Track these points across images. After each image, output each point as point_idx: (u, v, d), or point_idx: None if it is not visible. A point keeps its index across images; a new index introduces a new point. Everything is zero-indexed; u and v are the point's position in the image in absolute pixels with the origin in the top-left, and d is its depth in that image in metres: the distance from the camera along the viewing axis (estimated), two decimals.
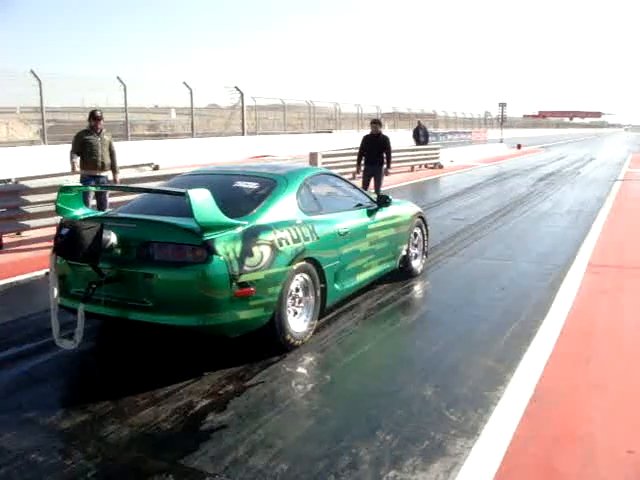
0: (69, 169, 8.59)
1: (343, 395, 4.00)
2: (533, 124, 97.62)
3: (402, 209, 6.70)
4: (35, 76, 18.74)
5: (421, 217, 7.05)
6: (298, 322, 4.75)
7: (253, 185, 5.14)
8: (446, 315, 5.65)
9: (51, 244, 4.62)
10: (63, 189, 4.83)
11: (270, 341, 4.57)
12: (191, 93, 24.56)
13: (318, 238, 4.95)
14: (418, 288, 6.53)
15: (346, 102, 40.75)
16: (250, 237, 4.36)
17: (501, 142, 37.20)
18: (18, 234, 8.98)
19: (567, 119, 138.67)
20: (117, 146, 9.07)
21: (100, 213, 5.60)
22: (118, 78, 21.55)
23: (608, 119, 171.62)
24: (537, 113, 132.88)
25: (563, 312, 5.55)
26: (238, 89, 27.93)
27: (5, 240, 8.58)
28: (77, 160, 8.32)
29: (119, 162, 8.94)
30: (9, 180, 9.68)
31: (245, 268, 4.21)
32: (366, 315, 5.52)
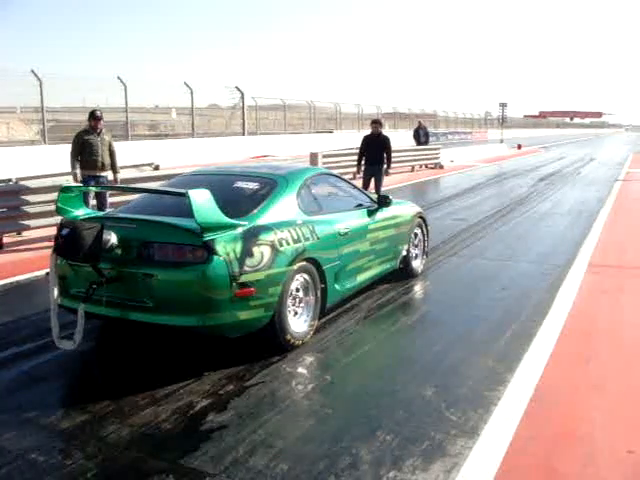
0: (69, 170, 8.57)
1: (343, 395, 4.00)
2: (533, 124, 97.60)
3: (402, 209, 6.70)
4: (35, 76, 18.75)
5: (421, 217, 7.05)
6: (298, 322, 4.75)
7: (253, 185, 5.14)
8: (446, 315, 5.65)
9: (51, 244, 4.63)
10: (63, 189, 4.83)
11: (270, 341, 4.57)
12: (191, 93, 24.58)
13: (318, 238, 4.95)
14: (418, 288, 6.53)
15: (346, 102, 40.79)
16: (250, 237, 4.36)
17: (501, 142, 37.20)
18: (18, 234, 8.98)
19: (567, 119, 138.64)
20: (117, 146, 9.07)
21: (100, 213, 5.60)
22: (118, 78, 21.56)
23: (609, 119, 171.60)
24: (537, 113, 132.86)
25: (563, 312, 5.55)
26: (238, 89, 27.95)
27: (5, 240, 8.58)
28: (78, 172, 8.32)
29: (119, 162, 8.94)
30: (9, 180, 9.68)
31: (245, 268, 4.21)
32: (366, 315, 5.52)
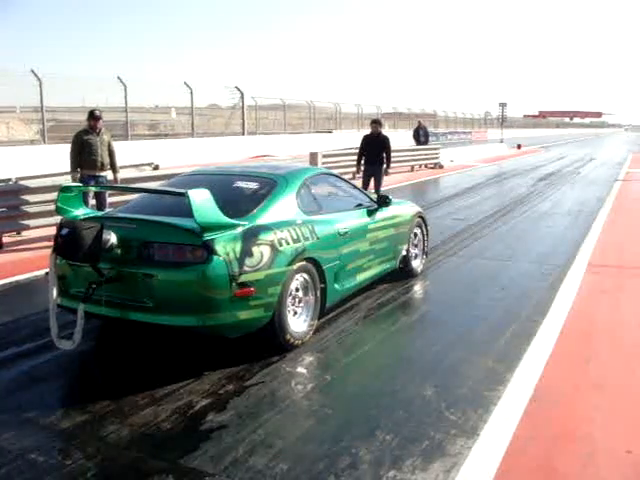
0: (69, 169, 8.57)
1: (343, 395, 4.01)
2: (533, 124, 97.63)
3: (402, 209, 6.70)
4: (35, 76, 18.74)
5: (421, 217, 7.05)
6: (298, 322, 4.75)
7: (253, 185, 5.14)
8: (446, 315, 5.65)
9: (51, 244, 4.63)
10: (63, 189, 4.83)
11: (270, 341, 4.57)
12: (191, 93, 24.57)
13: (318, 238, 4.95)
14: (418, 288, 6.53)
15: (346, 102, 40.79)
16: (250, 237, 4.36)
17: (501, 142, 37.20)
18: (18, 234, 8.99)
19: (567, 119, 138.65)
20: (117, 146, 9.07)
21: (100, 213, 5.60)
22: (118, 78, 21.55)
23: (608, 119, 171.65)
24: (537, 113, 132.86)
25: (563, 312, 5.55)
26: (238, 89, 27.94)
27: (5, 240, 8.58)
28: (77, 176, 8.32)
29: (119, 162, 8.93)
30: (9, 180, 9.68)
31: (245, 268, 4.21)
32: (366, 315, 5.53)
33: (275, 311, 4.43)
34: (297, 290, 4.75)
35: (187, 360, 4.51)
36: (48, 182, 8.93)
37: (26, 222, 8.65)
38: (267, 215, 4.71)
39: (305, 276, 4.79)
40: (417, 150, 22.43)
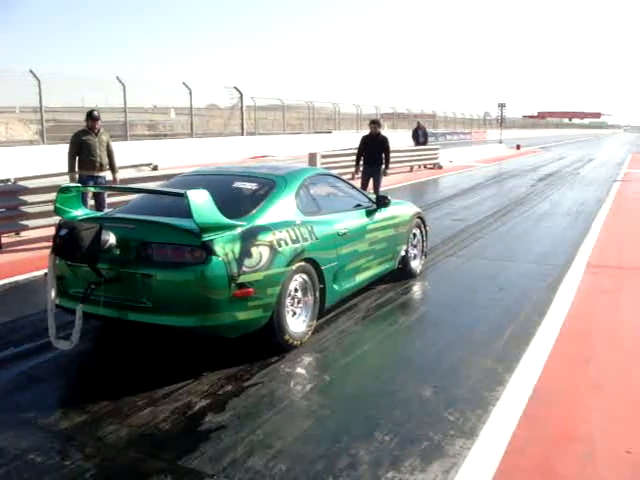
0: (67, 170, 8.57)
1: (342, 395, 4.00)
2: (532, 125, 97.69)
3: (401, 209, 6.70)
4: (34, 76, 18.73)
5: (420, 217, 7.04)
6: (297, 322, 4.75)
7: (252, 186, 5.14)
8: (445, 315, 5.65)
9: (50, 244, 4.62)
10: (62, 190, 4.83)
11: (269, 341, 4.57)
12: (190, 93, 24.57)
13: (317, 239, 4.95)
14: (417, 288, 6.52)
15: (345, 102, 40.80)
16: (249, 238, 4.36)
17: (500, 142, 37.21)
18: (17, 234, 8.98)
19: (566, 120, 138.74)
20: (116, 146, 9.06)
21: (99, 214, 5.60)
22: (117, 78, 21.55)
23: (607, 120, 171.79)
24: (536, 114, 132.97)
25: (562, 312, 5.55)
26: (237, 89, 27.94)
27: (4, 240, 8.57)
28: (76, 176, 8.31)
29: (118, 162, 8.92)
30: (8, 180, 9.68)
31: (244, 269, 4.21)
32: (365, 315, 5.52)
33: (274, 312, 4.42)
34: (296, 291, 4.75)
35: (186, 360, 4.50)
36: (47, 182, 8.93)
37: (25, 222, 8.64)
38: (266, 216, 4.70)
39: (304, 277, 4.79)
40: (416, 150, 22.42)
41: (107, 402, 3.81)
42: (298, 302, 4.79)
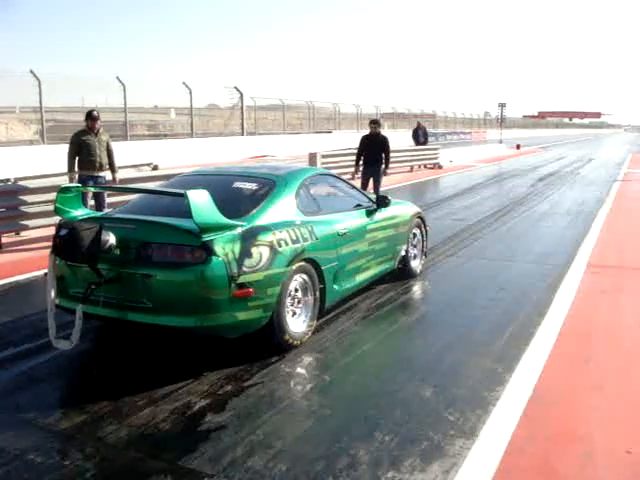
0: (67, 170, 8.57)
1: (342, 395, 4.00)
2: (532, 124, 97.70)
3: (401, 209, 6.70)
4: (34, 76, 18.73)
5: (420, 217, 7.04)
6: (297, 322, 4.75)
7: (252, 186, 5.14)
8: (445, 315, 5.65)
9: (50, 244, 4.62)
10: (62, 190, 4.83)
11: (269, 341, 4.57)
12: (190, 93, 24.58)
13: (317, 239, 4.95)
14: (417, 288, 6.52)
15: (345, 102, 40.82)
16: (249, 238, 4.36)
17: (500, 142, 37.21)
18: (17, 234, 8.98)
19: (566, 119, 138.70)
20: (116, 146, 9.06)
21: (99, 214, 5.60)
22: (117, 78, 21.56)
23: (607, 119, 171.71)
24: (536, 113, 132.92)
25: (562, 312, 5.55)
26: (237, 89, 27.95)
27: (4, 240, 8.58)
28: (75, 176, 8.30)
29: (118, 162, 8.93)
30: (8, 180, 9.67)
31: (244, 269, 4.21)
32: (365, 315, 5.52)
33: (274, 312, 4.42)
34: (296, 291, 4.75)
35: (186, 360, 4.50)
36: (47, 182, 8.94)
37: (25, 222, 8.65)
38: (266, 216, 4.70)
39: (304, 277, 4.79)
40: (416, 150, 22.43)
41: (107, 402, 3.81)
42: (298, 302, 4.79)
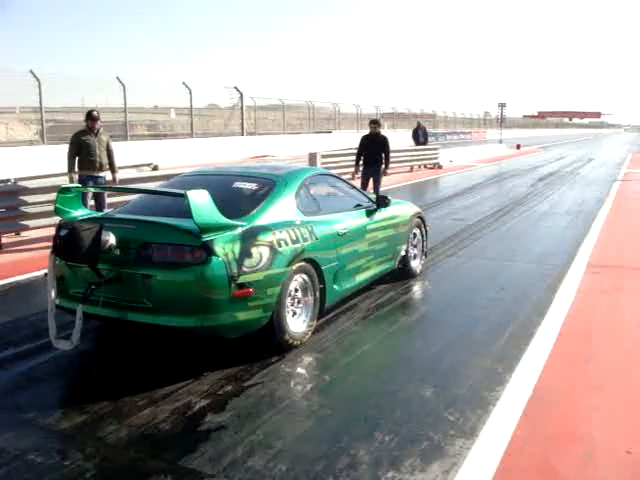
0: (67, 171, 8.57)
1: (342, 395, 4.00)
2: (532, 124, 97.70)
3: (401, 209, 6.70)
4: (34, 76, 18.73)
5: (420, 217, 7.05)
6: (297, 322, 4.75)
7: (252, 186, 5.14)
8: (445, 315, 5.65)
9: (50, 244, 4.62)
10: (62, 190, 4.83)
11: (269, 341, 4.57)
12: (190, 93, 24.58)
13: (317, 239, 4.95)
14: (417, 288, 6.52)
15: (345, 102, 40.83)
16: (249, 238, 4.36)
17: (500, 142, 37.22)
18: (17, 234, 8.99)
19: (566, 119, 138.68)
20: (116, 146, 9.06)
21: (99, 214, 5.59)
22: (117, 78, 21.56)
23: (608, 119, 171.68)
24: (536, 113, 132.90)
25: (562, 312, 5.55)
26: (237, 89, 27.95)
27: (4, 240, 8.58)
28: (75, 176, 8.30)
29: (118, 162, 8.93)
30: (8, 180, 9.68)
31: (244, 269, 4.21)
32: (365, 315, 5.52)
33: (274, 312, 4.42)
34: (296, 291, 4.75)
35: (186, 361, 4.50)
36: (47, 183, 8.94)
37: (25, 223, 8.65)
38: (266, 216, 4.70)
39: (304, 277, 4.79)
40: (416, 150, 22.43)
41: (107, 402, 3.81)
42: (298, 302, 4.79)
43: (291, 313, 4.69)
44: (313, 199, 5.43)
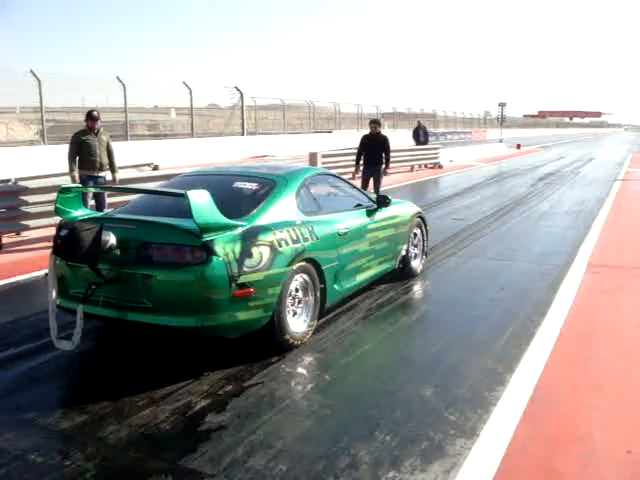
0: (67, 170, 8.57)
1: (342, 395, 4.00)
2: (533, 124, 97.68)
3: (401, 209, 6.70)
4: (35, 76, 18.74)
5: (421, 217, 7.04)
6: (297, 322, 4.75)
7: (252, 186, 5.14)
8: (446, 315, 5.65)
9: (51, 244, 4.62)
10: (62, 190, 4.83)
11: (269, 341, 4.57)
12: (191, 93, 24.58)
13: (317, 238, 4.95)
14: (418, 288, 6.52)
15: (346, 102, 40.81)
16: (249, 238, 4.36)
17: (501, 142, 37.20)
18: (18, 234, 8.98)
19: (567, 119, 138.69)
20: (117, 146, 9.06)
21: (99, 214, 5.59)
22: (117, 78, 21.56)
23: (608, 119, 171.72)
24: (537, 113, 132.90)
25: (563, 312, 5.55)
26: (238, 89, 27.96)
27: (5, 240, 8.58)
28: (76, 174, 8.30)
29: (119, 162, 8.93)
30: (8, 180, 9.67)
31: (244, 269, 4.21)
32: (366, 315, 5.52)
33: (274, 312, 4.42)
34: (296, 290, 4.75)
35: (186, 361, 4.50)
36: (47, 183, 8.93)
37: (26, 222, 8.65)
38: (266, 216, 4.70)
39: (304, 276, 4.79)
40: (417, 150, 22.43)
41: (107, 402, 3.81)
42: (299, 302, 4.79)
43: (291, 313, 4.69)
44: (313, 199, 5.43)
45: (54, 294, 4.46)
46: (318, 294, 4.93)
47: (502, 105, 43.20)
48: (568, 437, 3.42)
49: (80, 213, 4.85)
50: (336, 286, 5.21)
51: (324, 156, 16.56)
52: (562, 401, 3.86)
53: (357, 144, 11.15)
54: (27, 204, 8.60)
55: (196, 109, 25.76)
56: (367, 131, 11.23)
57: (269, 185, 5.10)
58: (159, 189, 5.55)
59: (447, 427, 3.49)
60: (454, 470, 3.06)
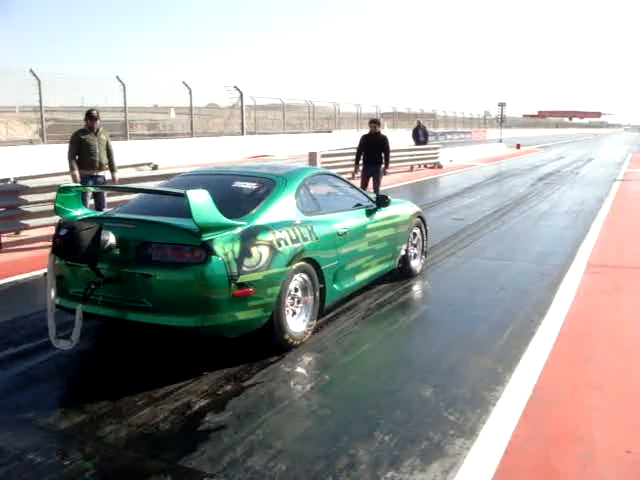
0: (67, 169, 8.56)
1: (342, 395, 4.00)
2: (532, 124, 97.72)
3: (401, 209, 6.70)
4: (34, 75, 18.73)
5: (420, 217, 7.04)
6: (297, 322, 4.75)
7: (252, 185, 5.14)
8: (445, 315, 5.65)
9: (50, 243, 4.62)
10: (61, 189, 4.82)
11: (268, 341, 4.57)
12: (190, 93, 24.58)
13: (317, 238, 4.94)
14: (417, 288, 6.52)
15: (345, 102, 40.83)
16: (249, 238, 4.36)
17: (500, 142, 37.20)
18: (17, 234, 8.98)
19: (566, 119, 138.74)
20: (116, 146, 9.06)
21: (99, 213, 5.59)
22: (117, 78, 21.56)
23: (608, 119, 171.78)
24: (536, 113, 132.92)
25: (562, 312, 5.55)
26: (237, 89, 27.95)
27: (4, 240, 8.58)
28: (77, 173, 8.29)
29: (118, 162, 8.92)
30: (8, 179, 9.67)
31: (244, 269, 4.21)
32: (365, 315, 5.52)
33: (274, 311, 4.42)
34: (296, 290, 4.75)
35: (185, 360, 4.50)
36: (47, 182, 8.94)
37: (25, 222, 8.65)
38: (266, 215, 4.70)
39: (304, 276, 4.78)
40: (416, 150, 22.43)
41: (107, 402, 3.80)
42: (298, 302, 4.79)
43: (291, 313, 4.69)
44: (313, 199, 5.42)
45: (53, 293, 4.45)
46: (317, 294, 4.92)
47: (502, 105, 43.19)
48: (568, 437, 3.42)
49: (79, 212, 4.85)
50: (335, 286, 5.21)
51: (323, 156, 16.56)
52: (562, 401, 3.85)
53: (356, 144, 11.15)
54: (26, 203, 8.60)
55: (196, 109, 25.77)
56: (367, 131, 11.23)
57: (269, 185, 5.10)
58: (158, 189, 5.55)
59: (446, 427, 3.49)
60: (453, 470, 3.06)
